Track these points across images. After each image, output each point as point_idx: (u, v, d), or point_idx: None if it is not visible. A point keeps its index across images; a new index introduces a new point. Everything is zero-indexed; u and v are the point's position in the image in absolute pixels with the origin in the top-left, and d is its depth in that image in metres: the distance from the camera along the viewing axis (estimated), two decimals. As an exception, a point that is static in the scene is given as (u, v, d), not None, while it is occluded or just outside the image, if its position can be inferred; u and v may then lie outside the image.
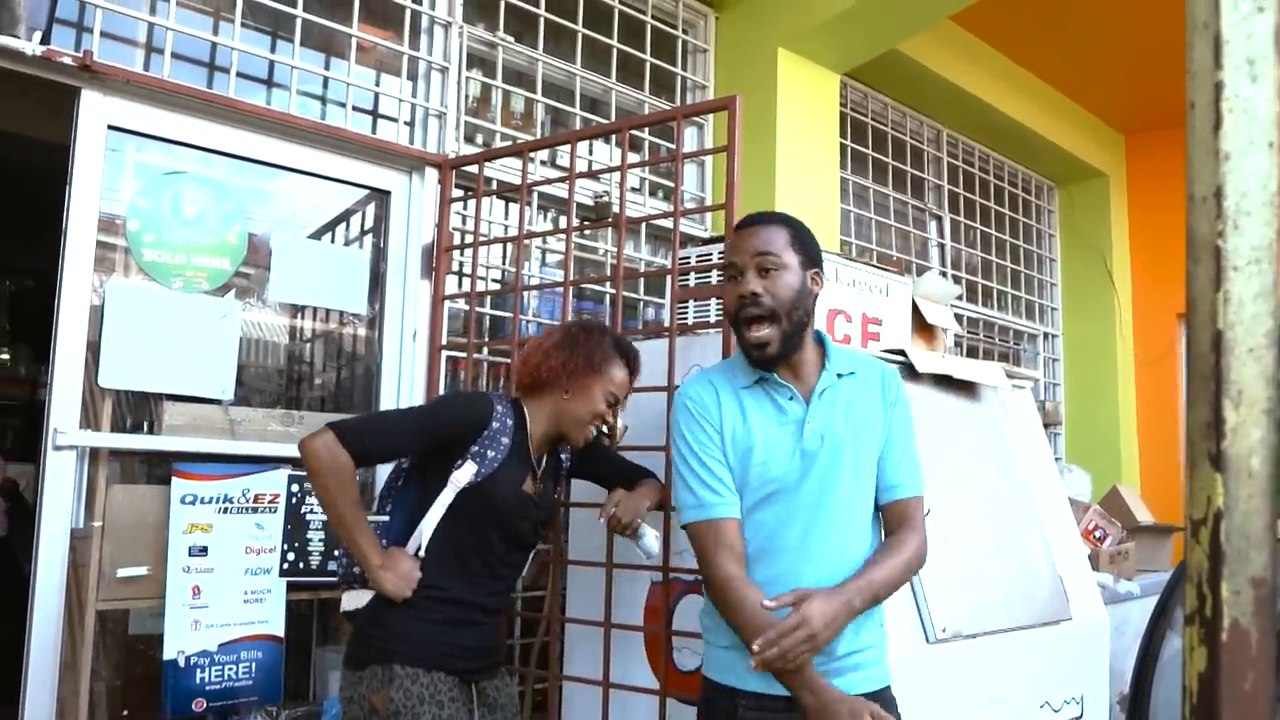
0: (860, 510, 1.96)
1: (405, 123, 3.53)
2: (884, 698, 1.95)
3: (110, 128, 2.76)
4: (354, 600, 2.22)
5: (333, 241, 3.46)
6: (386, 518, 2.25)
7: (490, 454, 2.19)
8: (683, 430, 1.99)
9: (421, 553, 2.17)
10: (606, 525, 2.39)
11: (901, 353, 2.77)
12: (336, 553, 2.93)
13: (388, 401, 3.28)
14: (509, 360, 3.23)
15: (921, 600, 2.43)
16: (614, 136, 3.58)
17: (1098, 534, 4.53)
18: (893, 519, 1.99)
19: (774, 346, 1.91)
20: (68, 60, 2.61)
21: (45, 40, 2.54)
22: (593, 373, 2.29)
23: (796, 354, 1.96)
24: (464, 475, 2.17)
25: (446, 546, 2.18)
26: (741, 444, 1.94)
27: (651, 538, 2.38)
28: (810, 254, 1.97)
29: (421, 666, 2.09)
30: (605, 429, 2.73)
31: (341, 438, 2.02)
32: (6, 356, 9.24)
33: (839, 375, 2.00)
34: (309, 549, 2.91)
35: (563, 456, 2.47)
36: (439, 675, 2.10)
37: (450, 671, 2.13)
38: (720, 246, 2.84)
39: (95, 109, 2.73)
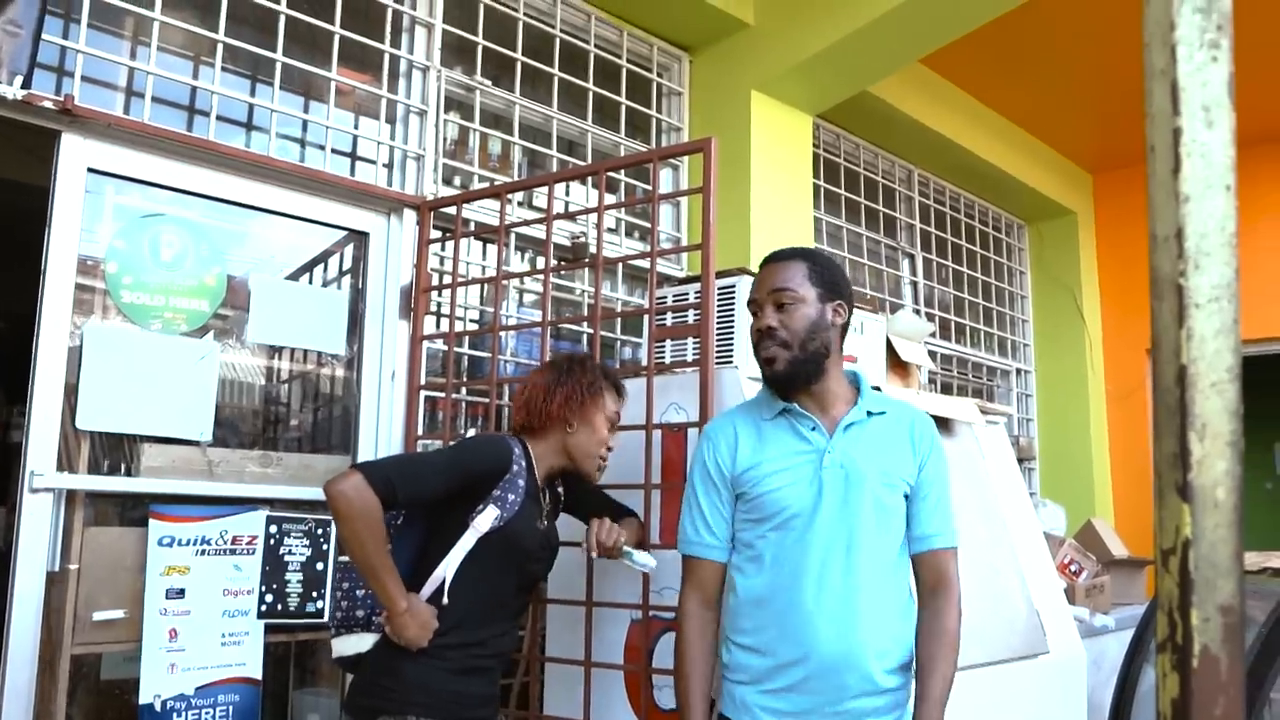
0: (884, 549, 1.97)
1: (384, 165, 3.56)
2: None
3: (90, 170, 2.77)
4: (352, 645, 2.18)
5: (311, 283, 3.47)
6: None
7: (511, 498, 2.19)
8: (695, 467, 2.10)
9: (445, 600, 2.13)
10: (593, 551, 2.33)
11: (876, 390, 2.80)
12: (315, 594, 2.92)
13: (366, 441, 3.27)
14: (487, 400, 3.23)
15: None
16: (591, 178, 3.61)
17: (1073, 568, 4.56)
18: (926, 571, 2.03)
19: (781, 365, 1.95)
20: (49, 104, 2.62)
21: (26, 84, 2.55)
22: (593, 402, 2.32)
23: (817, 383, 1.99)
24: (486, 520, 2.15)
25: (464, 592, 2.14)
26: (755, 472, 1.98)
27: (639, 554, 2.38)
28: (830, 286, 2.01)
29: (437, 718, 2.07)
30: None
31: (369, 480, 1.97)
32: (-24, 399, 9.11)
33: (869, 413, 2.03)
34: (287, 590, 2.89)
35: (559, 491, 2.47)
36: None
37: None
38: (696, 287, 2.87)
39: (75, 152, 2.74)
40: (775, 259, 2.06)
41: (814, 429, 1.98)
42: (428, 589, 2.15)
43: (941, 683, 1.92)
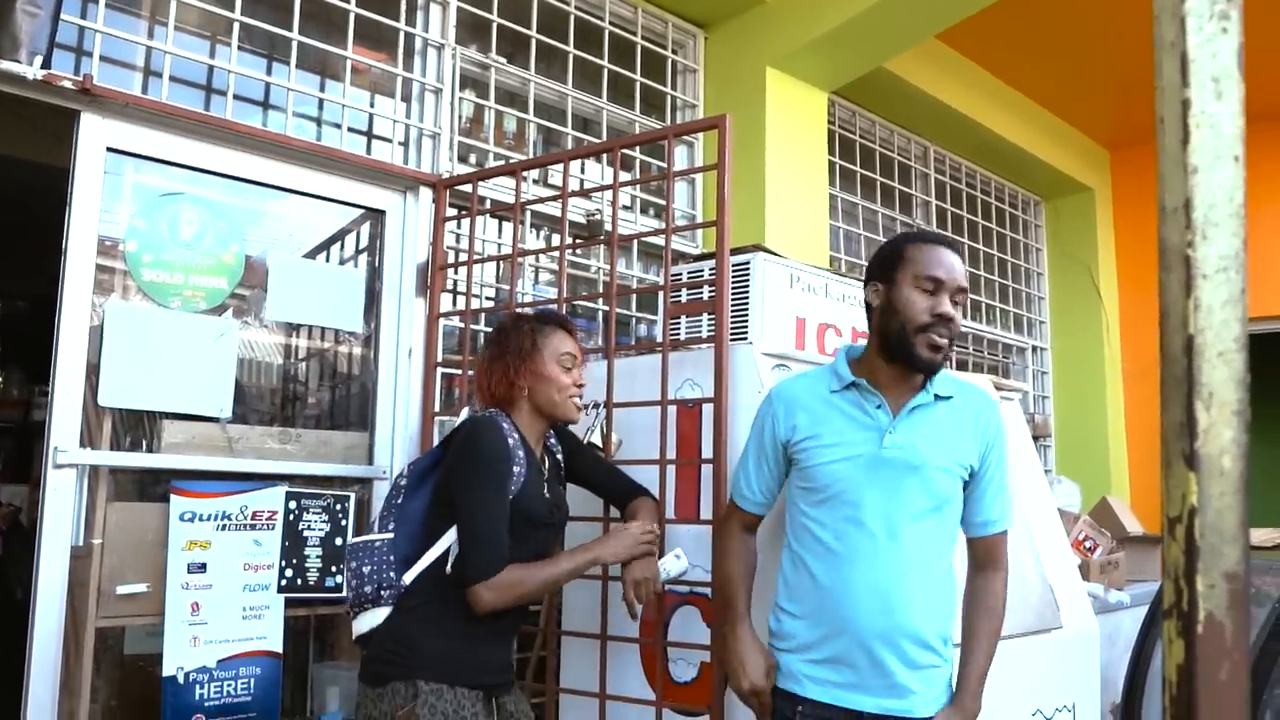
0: (933, 533, 2.00)
1: (400, 143, 3.58)
2: None
3: (109, 150, 2.79)
4: (367, 622, 2.19)
5: (328, 261, 3.49)
6: (390, 535, 2.22)
7: (516, 470, 2.19)
8: (755, 425, 2.17)
9: (449, 569, 2.15)
10: (633, 617, 2.34)
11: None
12: (334, 568, 2.95)
13: (384, 418, 3.29)
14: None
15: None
16: (606, 155, 3.62)
17: (1088, 544, 4.56)
18: (980, 551, 2.12)
19: (942, 357, 1.97)
20: (68, 84, 2.64)
21: (46, 64, 2.57)
22: (531, 358, 2.29)
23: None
24: None
25: None
26: (812, 443, 2.01)
27: (671, 565, 2.38)
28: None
29: (445, 682, 2.08)
30: (600, 442, 2.75)
31: (492, 574, 2.07)
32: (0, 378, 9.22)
33: (936, 397, 2.04)
34: (306, 565, 2.93)
35: (559, 457, 2.48)
36: (462, 691, 2.09)
37: (473, 687, 2.13)
38: (711, 263, 2.87)
39: (94, 132, 2.76)
40: (955, 247, 2.04)
41: (879, 407, 2.00)
42: (429, 557, 2.17)
43: (985, 651, 2.05)
